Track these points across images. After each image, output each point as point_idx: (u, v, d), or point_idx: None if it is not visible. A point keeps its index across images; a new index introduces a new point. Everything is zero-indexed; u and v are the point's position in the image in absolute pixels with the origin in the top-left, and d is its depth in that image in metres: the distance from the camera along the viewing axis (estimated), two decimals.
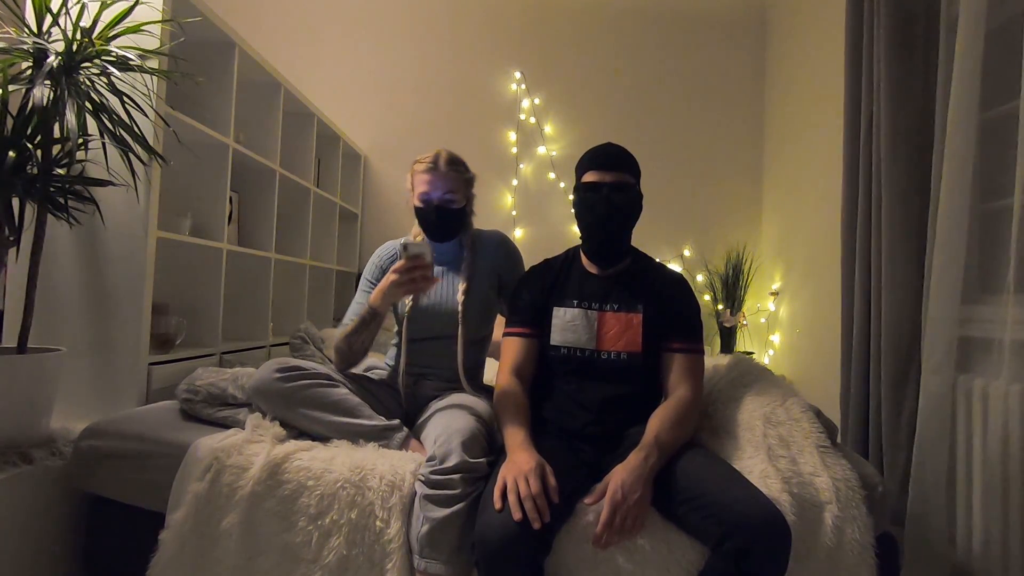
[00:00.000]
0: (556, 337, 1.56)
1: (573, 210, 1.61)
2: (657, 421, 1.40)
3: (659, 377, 1.55)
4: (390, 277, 1.53)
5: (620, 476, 1.27)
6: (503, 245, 1.83)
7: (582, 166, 1.58)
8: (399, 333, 1.78)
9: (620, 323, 1.54)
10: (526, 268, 1.75)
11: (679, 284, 1.62)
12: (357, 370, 1.78)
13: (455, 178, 1.71)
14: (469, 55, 3.88)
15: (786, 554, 1.17)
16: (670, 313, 1.55)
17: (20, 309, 1.61)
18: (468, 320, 1.70)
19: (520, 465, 1.24)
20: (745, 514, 1.17)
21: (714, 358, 2.04)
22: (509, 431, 1.39)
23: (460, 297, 1.70)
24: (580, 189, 1.56)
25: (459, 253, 1.78)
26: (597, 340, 1.54)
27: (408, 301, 1.72)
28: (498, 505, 1.20)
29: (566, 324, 1.55)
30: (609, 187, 1.52)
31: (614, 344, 1.53)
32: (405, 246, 1.52)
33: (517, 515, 1.16)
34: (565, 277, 1.62)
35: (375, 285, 1.74)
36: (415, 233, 1.80)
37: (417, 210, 1.73)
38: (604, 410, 1.51)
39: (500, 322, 1.86)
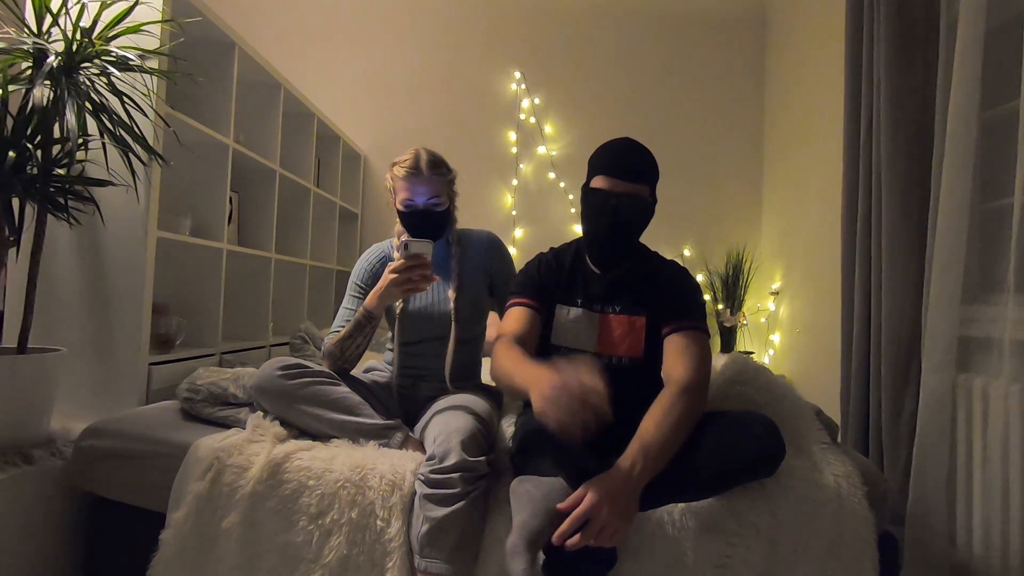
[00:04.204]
0: (558, 337, 1.52)
1: (580, 206, 1.54)
2: (645, 422, 1.30)
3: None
4: (388, 277, 1.52)
5: (603, 485, 1.18)
6: (494, 247, 1.81)
7: (595, 167, 1.49)
8: (392, 337, 1.77)
9: (623, 326, 1.50)
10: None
11: (672, 269, 1.57)
12: (356, 372, 1.77)
13: (438, 182, 1.67)
14: (469, 55, 3.88)
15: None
16: (666, 303, 1.49)
17: (20, 309, 1.61)
18: (461, 321, 1.69)
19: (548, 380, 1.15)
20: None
21: (713, 358, 2.03)
22: (521, 372, 1.28)
23: (451, 300, 1.69)
24: (588, 193, 1.49)
25: (446, 253, 1.76)
26: (598, 343, 1.50)
27: (399, 304, 1.70)
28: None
29: (568, 323, 1.51)
30: (618, 197, 1.44)
31: (616, 348, 1.49)
32: (406, 244, 1.51)
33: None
34: (571, 276, 1.56)
35: (364, 289, 1.72)
36: (398, 231, 1.77)
37: (401, 214, 1.70)
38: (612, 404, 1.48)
39: (492, 320, 1.85)
